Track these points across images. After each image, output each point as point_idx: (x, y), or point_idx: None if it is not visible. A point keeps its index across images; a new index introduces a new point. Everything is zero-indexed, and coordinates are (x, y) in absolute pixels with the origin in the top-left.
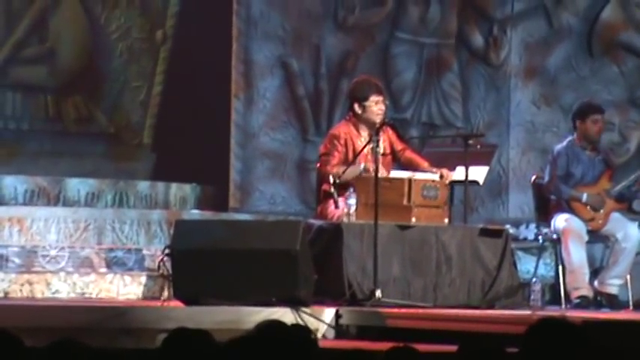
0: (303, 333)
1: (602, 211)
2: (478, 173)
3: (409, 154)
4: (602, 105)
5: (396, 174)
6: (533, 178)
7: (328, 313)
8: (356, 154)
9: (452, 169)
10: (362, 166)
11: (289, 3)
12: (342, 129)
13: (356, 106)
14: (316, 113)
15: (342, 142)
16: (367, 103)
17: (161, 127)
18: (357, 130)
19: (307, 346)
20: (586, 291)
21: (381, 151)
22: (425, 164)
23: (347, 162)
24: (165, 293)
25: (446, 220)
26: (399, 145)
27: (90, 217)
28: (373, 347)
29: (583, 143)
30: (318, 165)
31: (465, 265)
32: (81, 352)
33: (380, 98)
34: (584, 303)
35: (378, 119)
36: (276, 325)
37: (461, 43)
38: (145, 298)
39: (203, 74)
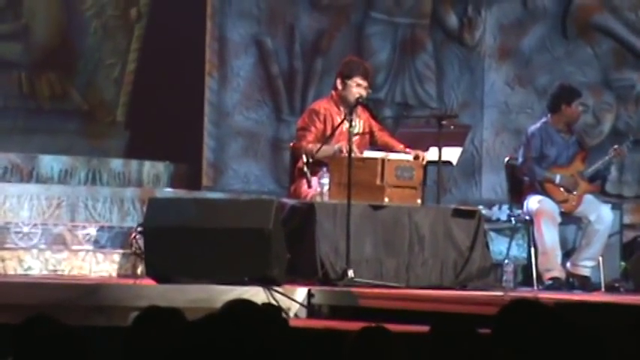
0: (272, 312)
1: (575, 192)
2: (451, 154)
3: (386, 137)
4: (579, 87)
5: (369, 154)
6: (507, 159)
7: (300, 293)
8: (333, 131)
9: (425, 149)
10: (336, 146)
11: None
12: (323, 105)
13: (338, 81)
14: (290, 92)
15: (321, 118)
16: (349, 82)
17: (135, 105)
18: (338, 107)
19: (277, 325)
20: (558, 272)
21: (360, 130)
22: (400, 146)
23: (324, 138)
24: (138, 271)
25: (419, 201)
26: (375, 127)
27: (63, 194)
28: (345, 327)
29: (559, 125)
30: (293, 143)
31: (437, 245)
32: (55, 329)
33: (363, 83)
34: (556, 284)
35: (355, 100)
36: (245, 303)
37: (435, 24)
38: (117, 275)
39: (177, 52)
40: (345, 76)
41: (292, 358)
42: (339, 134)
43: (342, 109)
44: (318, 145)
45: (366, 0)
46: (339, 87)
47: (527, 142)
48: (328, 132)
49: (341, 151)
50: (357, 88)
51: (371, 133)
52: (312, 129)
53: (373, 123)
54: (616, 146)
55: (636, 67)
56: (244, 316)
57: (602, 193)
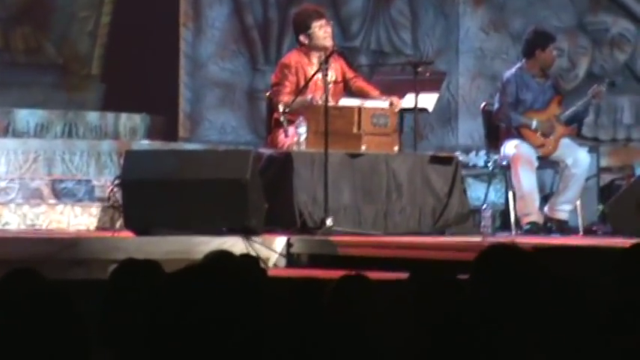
0: (251, 262)
1: (552, 136)
2: (428, 101)
3: (360, 83)
4: (553, 32)
5: (345, 102)
6: (483, 105)
7: (279, 242)
8: (306, 82)
9: (401, 96)
10: (308, 97)
11: None
12: (293, 58)
13: (302, 38)
14: (265, 42)
15: (293, 71)
16: (311, 31)
17: (110, 58)
18: (309, 58)
19: (255, 275)
20: (536, 217)
21: (333, 79)
22: (375, 93)
23: (298, 90)
24: (117, 224)
25: (396, 148)
26: (350, 74)
27: (39, 148)
28: (324, 275)
29: (534, 70)
30: (269, 94)
31: (415, 192)
32: (37, 283)
33: (322, 22)
34: (534, 229)
35: (327, 43)
36: (224, 254)
37: None
38: (96, 229)
39: (151, 4)
40: (304, 28)
41: (272, 308)
42: (313, 84)
43: (313, 59)
44: (292, 98)
45: None
46: (305, 41)
47: (502, 88)
48: (301, 84)
49: (312, 101)
50: (321, 30)
51: (345, 80)
52: (286, 83)
53: (347, 70)
54: (595, 86)
55: (611, 10)
56: (222, 267)
57: (578, 137)
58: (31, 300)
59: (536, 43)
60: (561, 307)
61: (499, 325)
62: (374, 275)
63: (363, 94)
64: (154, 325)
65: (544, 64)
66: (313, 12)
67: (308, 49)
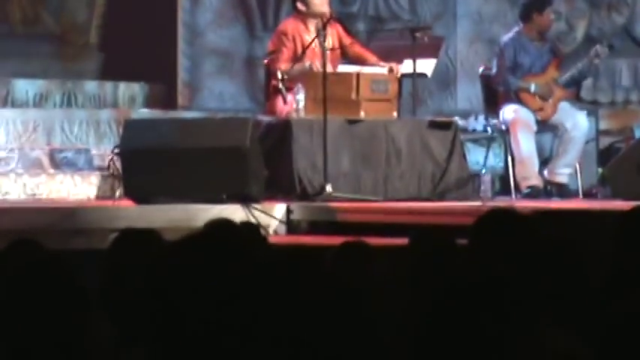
0: (251, 230)
1: (550, 100)
2: (426, 66)
3: (358, 49)
4: None
5: (344, 68)
6: (481, 69)
7: (279, 209)
8: (304, 49)
9: (400, 62)
10: (306, 64)
11: None
12: (290, 25)
13: (299, 5)
14: (263, 9)
15: (290, 38)
16: None
17: (108, 27)
18: (305, 25)
19: (256, 242)
20: (536, 180)
21: (330, 45)
22: (374, 58)
23: (296, 57)
24: (117, 193)
25: (395, 114)
26: (347, 40)
27: (39, 117)
28: (325, 242)
29: (532, 34)
30: (267, 61)
31: (414, 157)
32: (39, 253)
33: None
34: (533, 192)
35: (324, 9)
36: (224, 222)
37: None
38: (96, 198)
39: None
40: None
41: (273, 276)
42: (310, 51)
43: (310, 26)
44: (290, 65)
45: None
46: (303, 8)
47: (500, 52)
48: (298, 51)
49: (311, 68)
50: None
51: (342, 47)
52: (284, 49)
53: (344, 36)
54: (597, 46)
55: None
56: (223, 235)
57: (577, 100)
58: (32, 270)
59: (534, 6)
60: (560, 272)
61: (502, 285)
62: (374, 241)
63: (360, 61)
64: (155, 295)
65: (541, 28)
66: None
67: (305, 15)
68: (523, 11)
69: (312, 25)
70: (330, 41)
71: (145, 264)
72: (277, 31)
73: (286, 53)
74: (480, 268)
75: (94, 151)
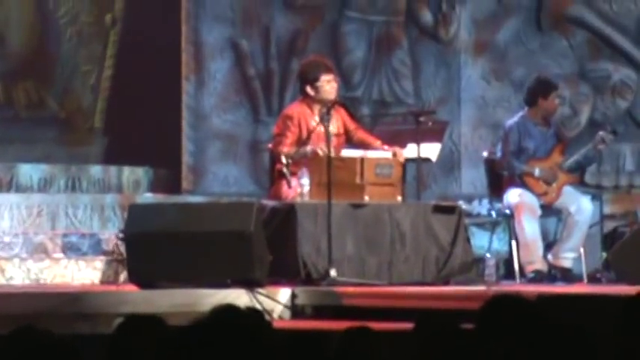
0: (256, 315)
1: (554, 184)
2: (430, 150)
3: (361, 135)
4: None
5: (348, 153)
6: (486, 153)
7: (284, 294)
8: (309, 134)
9: (404, 146)
10: (308, 149)
11: None
12: (296, 109)
13: (308, 88)
14: (267, 93)
15: (296, 122)
16: (319, 84)
17: (112, 111)
18: (311, 109)
19: (261, 329)
20: (540, 265)
21: (335, 130)
22: (377, 143)
23: (300, 141)
24: (121, 277)
25: (399, 198)
26: (351, 125)
27: (43, 202)
28: (329, 327)
29: (536, 118)
30: (271, 145)
31: (419, 242)
32: (44, 339)
33: (330, 77)
34: (538, 277)
35: (332, 97)
36: (229, 308)
37: (410, 20)
38: (100, 282)
39: (153, 57)
40: (312, 80)
41: None
42: (315, 136)
43: (315, 110)
44: (295, 149)
45: None
46: (311, 93)
47: (505, 137)
48: (303, 135)
49: (315, 152)
50: (329, 84)
51: (347, 131)
52: (288, 134)
53: (349, 121)
54: (601, 132)
55: (611, 57)
56: (228, 321)
57: (581, 184)
58: (36, 355)
59: (539, 91)
60: (566, 357)
61: None
62: (379, 326)
63: (364, 146)
64: None
65: (546, 112)
66: (322, 65)
67: (312, 100)
68: (528, 96)
69: (318, 110)
70: (335, 126)
71: (150, 350)
72: (283, 115)
73: (291, 137)
74: (486, 353)
75: (98, 236)
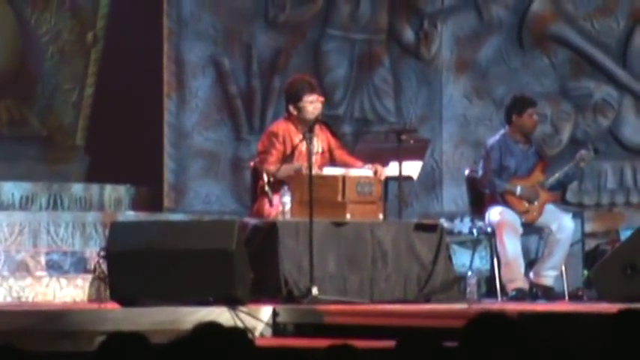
0: (239, 334)
1: (536, 202)
2: (412, 168)
3: (343, 156)
4: (534, 97)
5: (329, 171)
6: (467, 172)
7: (265, 312)
8: (292, 151)
9: (385, 164)
10: (295, 165)
11: (220, 2)
12: (281, 126)
13: (291, 108)
14: (249, 111)
15: (281, 139)
16: (302, 104)
17: (94, 129)
18: (296, 127)
19: (244, 347)
20: (522, 283)
21: (320, 150)
22: (358, 164)
23: (285, 159)
24: (103, 295)
25: (381, 216)
26: (335, 144)
27: (24, 220)
28: (311, 344)
29: (517, 136)
30: (254, 163)
31: (400, 260)
32: (20, 357)
33: (314, 97)
34: (519, 295)
35: (313, 117)
36: (211, 326)
37: (392, 39)
38: (82, 300)
39: (135, 75)
40: (296, 100)
41: None
42: (298, 154)
43: (300, 129)
44: (278, 166)
45: (322, 17)
46: (294, 112)
47: (486, 155)
48: (288, 152)
49: (300, 170)
50: (312, 105)
51: (330, 151)
52: (273, 151)
53: (332, 141)
54: (583, 151)
55: (593, 75)
56: (210, 339)
57: (562, 202)
58: None
59: (513, 108)
60: None
61: None
62: (360, 344)
63: (346, 166)
64: None
65: (523, 129)
66: (307, 84)
67: (296, 119)
68: (505, 114)
69: (303, 128)
70: (319, 145)
71: None
72: (268, 132)
73: (275, 154)
74: None
75: (80, 254)
